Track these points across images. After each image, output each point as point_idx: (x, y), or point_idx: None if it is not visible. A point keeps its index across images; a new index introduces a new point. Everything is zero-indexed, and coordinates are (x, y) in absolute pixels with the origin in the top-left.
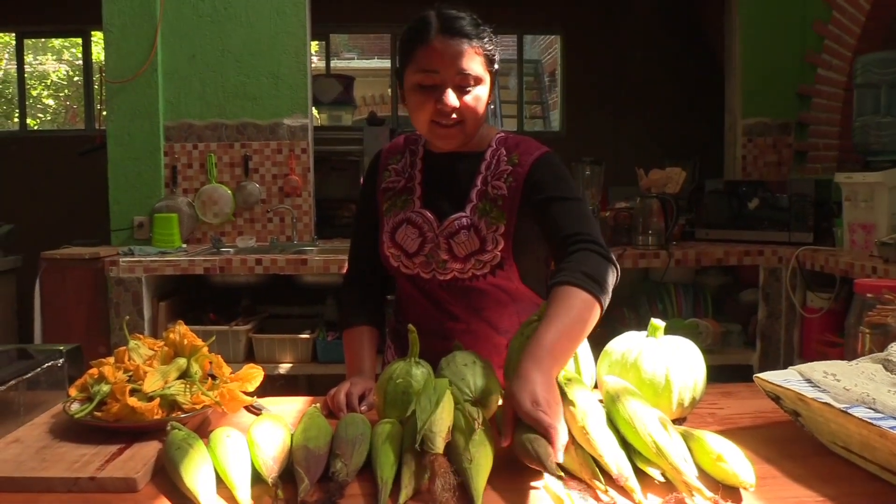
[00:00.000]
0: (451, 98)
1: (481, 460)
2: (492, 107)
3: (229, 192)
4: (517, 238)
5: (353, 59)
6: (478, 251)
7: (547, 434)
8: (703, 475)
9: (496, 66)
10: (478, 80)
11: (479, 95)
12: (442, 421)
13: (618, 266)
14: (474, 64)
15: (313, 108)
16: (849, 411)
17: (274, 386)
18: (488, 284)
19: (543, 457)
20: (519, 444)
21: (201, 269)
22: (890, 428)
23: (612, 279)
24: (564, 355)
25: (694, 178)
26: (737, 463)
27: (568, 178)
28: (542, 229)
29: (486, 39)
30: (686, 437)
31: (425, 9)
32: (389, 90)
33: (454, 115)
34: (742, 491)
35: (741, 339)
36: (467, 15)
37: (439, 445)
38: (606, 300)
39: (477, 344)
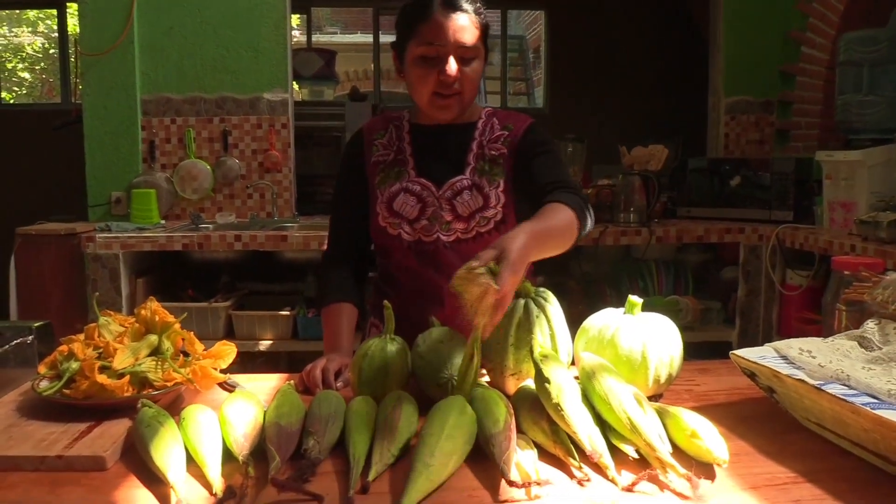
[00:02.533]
0: (454, 67)
1: (449, 464)
2: None
3: (208, 167)
4: (517, 197)
5: (335, 33)
6: (481, 208)
7: (487, 289)
8: (678, 451)
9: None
10: (476, 53)
11: (476, 68)
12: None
13: (592, 214)
14: (473, 37)
15: (294, 83)
16: (822, 388)
17: (254, 363)
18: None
19: (498, 457)
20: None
21: (180, 246)
22: (862, 404)
23: (589, 219)
24: (544, 247)
25: (677, 156)
26: (711, 439)
27: (554, 143)
28: (528, 180)
29: (481, 15)
30: (661, 414)
31: None
32: (372, 65)
33: (455, 86)
34: (715, 467)
35: (721, 316)
36: None
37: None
38: (583, 231)
39: None
